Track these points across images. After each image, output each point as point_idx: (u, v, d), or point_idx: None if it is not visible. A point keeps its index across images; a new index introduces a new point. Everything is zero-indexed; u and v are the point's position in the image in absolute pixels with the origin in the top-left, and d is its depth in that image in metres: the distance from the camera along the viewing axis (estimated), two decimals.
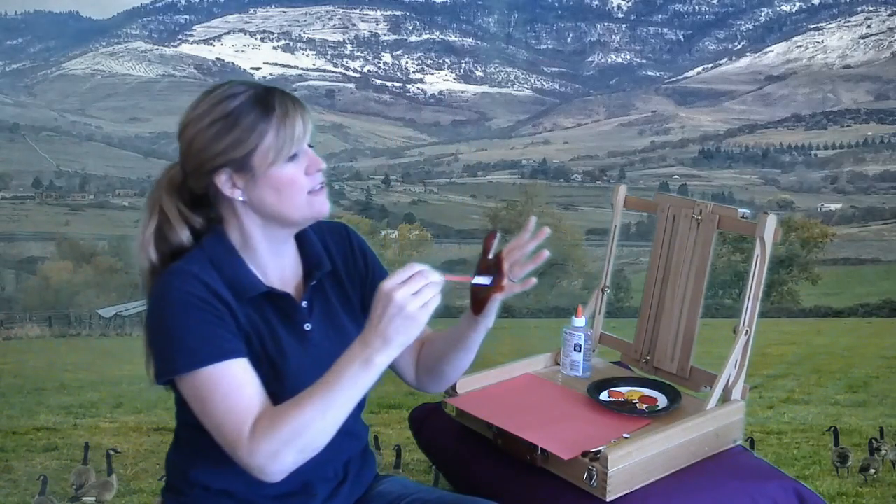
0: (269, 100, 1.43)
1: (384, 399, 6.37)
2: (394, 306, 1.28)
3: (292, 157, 1.44)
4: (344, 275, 1.61)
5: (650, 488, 1.56)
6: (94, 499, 4.09)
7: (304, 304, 1.54)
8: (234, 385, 1.37)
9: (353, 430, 1.59)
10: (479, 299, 1.48)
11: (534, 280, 1.46)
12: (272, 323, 1.49)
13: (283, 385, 1.40)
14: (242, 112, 1.42)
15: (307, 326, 1.52)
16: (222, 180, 1.44)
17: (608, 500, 1.52)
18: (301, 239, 1.57)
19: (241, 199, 1.46)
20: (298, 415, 1.32)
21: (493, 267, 1.45)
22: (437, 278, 1.31)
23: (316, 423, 1.32)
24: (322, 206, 1.48)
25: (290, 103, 1.44)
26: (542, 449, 1.61)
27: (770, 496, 1.59)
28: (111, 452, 4.37)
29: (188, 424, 1.49)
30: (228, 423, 1.36)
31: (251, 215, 1.48)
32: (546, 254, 1.46)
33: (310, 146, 1.48)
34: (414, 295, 1.29)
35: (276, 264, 1.53)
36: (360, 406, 1.61)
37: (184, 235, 1.51)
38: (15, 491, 4.40)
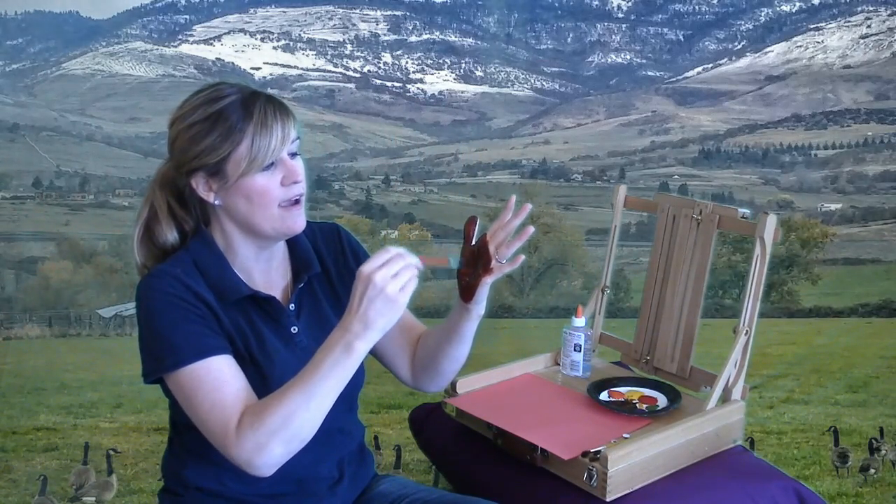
0: (250, 106, 1.41)
1: (384, 399, 6.37)
2: (374, 289, 1.28)
3: (268, 167, 1.42)
4: (335, 276, 1.60)
5: (650, 488, 1.56)
6: (94, 499, 4.09)
7: (292, 306, 1.53)
8: (218, 381, 1.38)
9: (346, 429, 1.59)
10: (468, 285, 1.46)
11: (522, 257, 1.46)
12: (258, 326, 1.48)
13: (269, 388, 1.39)
14: (221, 117, 1.40)
15: (294, 329, 1.52)
16: (198, 182, 1.44)
17: (608, 500, 1.52)
18: (291, 240, 1.56)
19: (215, 203, 1.45)
20: (282, 406, 1.32)
21: (477, 252, 1.45)
22: (414, 260, 1.31)
23: (300, 413, 1.31)
24: (294, 223, 1.46)
25: (271, 111, 1.42)
26: (542, 449, 1.61)
27: (770, 496, 1.59)
28: (111, 452, 4.37)
29: (180, 425, 1.50)
30: (214, 419, 1.36)
31: (227, 221, 1.47)
32: (531, 229, 1.46)
33: (295, 155, 1.46)
34: (393, 277, 1.29)
35: (262, 267, 1.53)
36: (353, 406, 1.61)
37: (169, 234, 1.51)
38: (15, 491, 4.41)
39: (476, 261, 1.45)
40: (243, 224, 1.46)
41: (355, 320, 1.30)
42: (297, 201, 1.45)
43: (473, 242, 1.44)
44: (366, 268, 1.30)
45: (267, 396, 1.36)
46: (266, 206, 1.43)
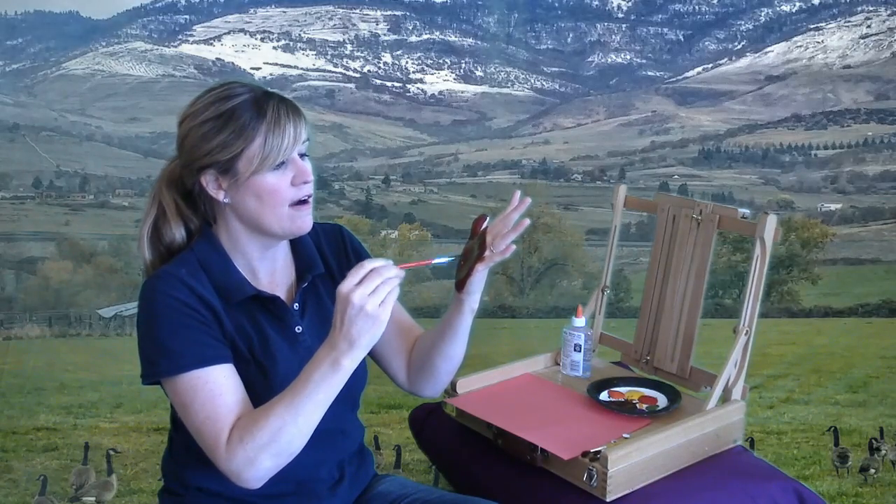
0: (263, 105, 1.42)
1: (384, 399, 6.37)
2: (353, 308, 1.29)
3: (279, 166, 1.43)
4: (338, 276, 1.60)
5: (650, 488, 1.56)
6: (94, 499, 4.09)
7: (296, 306, 1.54)
8: (214, 392, 1.38)
9: (347, 430, 1.60)
10: (462, 275, 1.48)
11: (513, 247, 1.48)
12: (262, 325, 1.49)
13: (272, 388, 1.40)
14: (234, 115, 1.41)
15: (298, 329, 1.52)
16: (208, 180, 1.45)
17: (608, 500, 1.52)
18: (294, 241, 1.57)
19: (224, 201, 1.46)
20: (271, 421, 1.33)
21: (476, 244, 1.46)
22: (392, 273, 1.32)
23: (288, 428, 1.32)
24: (303, 223, 1.47)
25: (284, 111, 1.43)
26: (542, 449, 1.61)
27: (770, 496, 1.59)
28: (111, 452, 4.38)
29: (180, 426, 1.50)
30: (207, 429, 1.37)
31: (235, 220, 1.48)
32: (526, 222, 1.49)
33: (304, 156, 1.47)
34: (371, 294, 1.29)
35: (267, 267, 1.53)
36: (354, 406, 1.62)
37: (177, 232, 1.51)
38: (15, 491, 4.41)
39: (473, 251, 1.47)
40: (251, 223, 1.47)
41: (341, 339, 1.31)
42: (305, 201, 1.47)
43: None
44: (343, 288, 1.30)
45: (256, 409, 1.36)
46: (275, 205, 1.44)
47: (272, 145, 1.42)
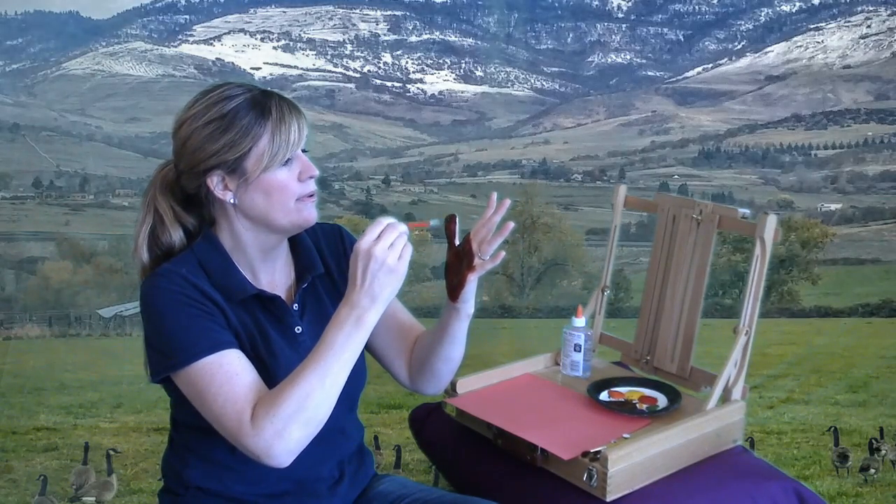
0: (266, 103, 1.43)
1: (384, 399, 6.37)
2: (375, 262, 1.31)
3: (286, 163, 1.44)
4: (337, 276, 1.61)
5: (650, 488, 1.56)
6: (94, 499, 4.10)
7: (296, 306, 1.54)
8: (230, 374, 1.38)
9: (346, 430, 1.60)
10: (454, 284, 1.47)
11: (503, 253, 1.47)
12: (263, 325, 1.49)
13: (273, 385, 1.40)
14: (239, 114, 1.42)
15: (298, 329, 1.52)
16: (214, 181, 1.44)
17: (608, 500, 1.52)
18: (294, 241, 1.57)
19: (231, 201, 1.46)
20: (298, 388, 1.33)
21: (461, 251, 1.45)
22: (403, 228, 1.34)
23: (316, 392, 1.33)
24: (309, 215, 1.48)
25: (286, 108, 1.44)
26: (542, 449, 1.61)
27: (770, 496, 1.59)
28: (111, 452, 4.38)
29: (182, 425, 1.50)
30: (229, 412, 1.36)
31: (241, 219, 1.48)
32: (511, 225, 1.48)
33: (304, 151, 1.47)
34: (390, 248, 1.32)
35: (267, 267, 1.53)
36: (354, 406, 1.62)
37: (176, 237, 1.51)
38: (15, 491, 4.41)
39: (460, 259, 1.46)
40: (259, 221, 1.47)
41: (362, 295, 1.33)
42: (311, 196, 1.48)
43: (457, 242, 1.45)
44: (363, 243, 1.32)
45: (280, 383, 1.36)
46: (285, 201, 1.45)
47: (280, 142, 1.43)
